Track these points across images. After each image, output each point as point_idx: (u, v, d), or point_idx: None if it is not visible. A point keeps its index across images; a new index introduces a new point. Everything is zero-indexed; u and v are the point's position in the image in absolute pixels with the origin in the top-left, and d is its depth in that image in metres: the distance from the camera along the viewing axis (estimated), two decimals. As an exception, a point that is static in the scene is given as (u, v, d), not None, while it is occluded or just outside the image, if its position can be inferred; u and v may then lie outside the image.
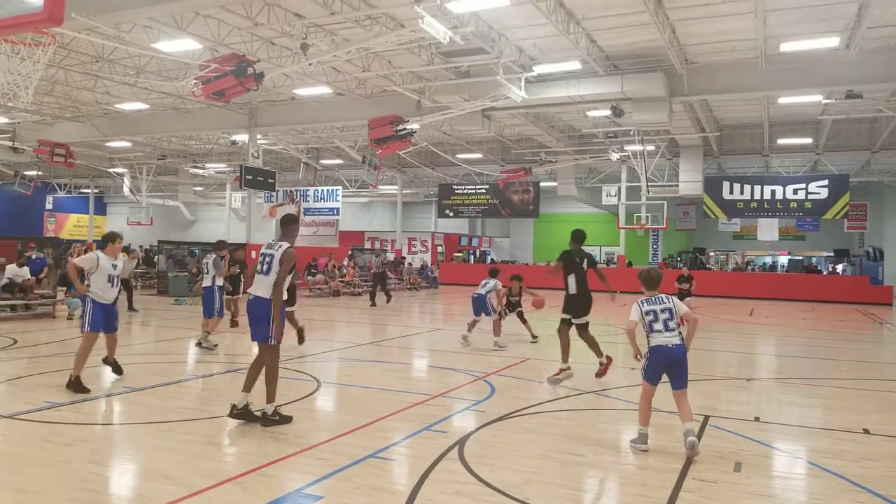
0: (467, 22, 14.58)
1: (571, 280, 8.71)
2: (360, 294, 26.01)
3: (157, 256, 26.50)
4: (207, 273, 11.46)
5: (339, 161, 34.07)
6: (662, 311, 6.01)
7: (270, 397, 6.38)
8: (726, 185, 28.38)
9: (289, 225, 6.82)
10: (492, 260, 42.53)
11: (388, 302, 21.63)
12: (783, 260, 41.93)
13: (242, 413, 6.30)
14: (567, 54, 17.22)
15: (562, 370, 8.82)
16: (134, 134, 27.81)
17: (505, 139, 29.10)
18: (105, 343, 8.27)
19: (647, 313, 6.04)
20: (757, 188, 27.86)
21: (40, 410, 6.74)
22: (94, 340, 7.84)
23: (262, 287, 6.43)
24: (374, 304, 20.85)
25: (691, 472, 5.40)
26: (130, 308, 16.99)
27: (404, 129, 19.73)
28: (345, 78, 20.10)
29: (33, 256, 17.61)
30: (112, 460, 5.55)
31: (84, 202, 46.75)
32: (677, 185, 29.13)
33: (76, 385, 7.54)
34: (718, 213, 29.04)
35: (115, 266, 7.96)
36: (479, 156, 31.57)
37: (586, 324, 8.88)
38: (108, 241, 8.09)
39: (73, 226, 48.85)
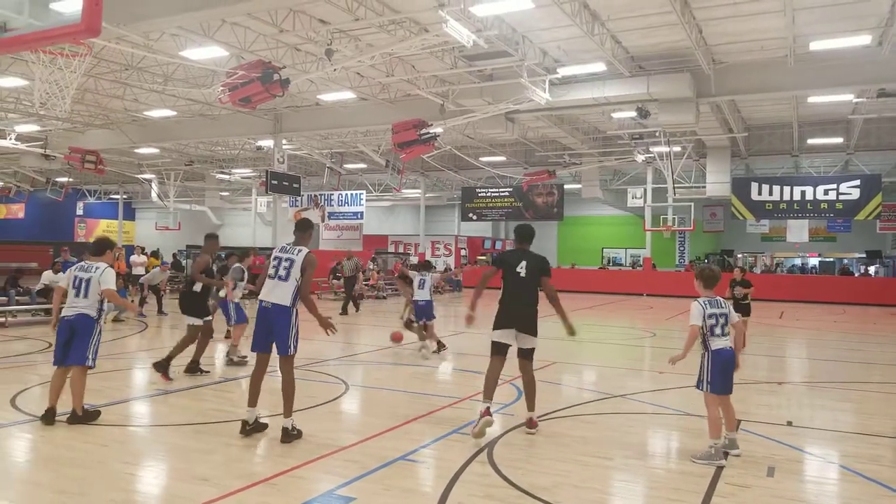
0: (491, 25, 14.60)
1: (504, 289, 6.56)
2: (384, 297, 26.12)
3: (185, 261, 26.87)
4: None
5: (362, 165, 34.26)
6: (720, 315, 5.83)
7: (289, 411, 5.99)
8: (755, 185, 27.99)
9: (307, 230, 6.40)
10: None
11: (356, 311, 19.67)
12: (813, 262, 41.24)
13: (255, 428, 6.11)
14: (592, 56, 17.14)
15: (482, 415, 6.25)
16: (162, 140, 28.24)
17: (528, 142, 29.03)
18: (57, 383, 6.63)
19: (710, 317, 5.78)
20: (786, 189, 27.43)
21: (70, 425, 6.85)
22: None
23: (279, 294, 6.00)
24: (344, 313, 18.84)
25: (723, 476, 5.35)
26: (160, 312, 17.27)
27: (428, 132, 19.80)
28: (368, 83, 20.21)
29: (68, 260, 17.84)
30: (147, 461, 5.65)
31: (113, 208, 47.54)
32: (704, 187, 28.79)
33: (89, 415, 6.55)
34: (747, 215, 28.65)
35: None
36: (502, 158, 31.56)
37: (529, 351, 6.51)
38: (107, 248, 6.96)
39: (103, 231, 49.65)
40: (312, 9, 14.70)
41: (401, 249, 38.92)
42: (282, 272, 6.06)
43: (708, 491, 5.03)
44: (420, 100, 20.78)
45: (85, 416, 6.48)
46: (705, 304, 5.82)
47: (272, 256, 6.22)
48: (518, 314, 6.45)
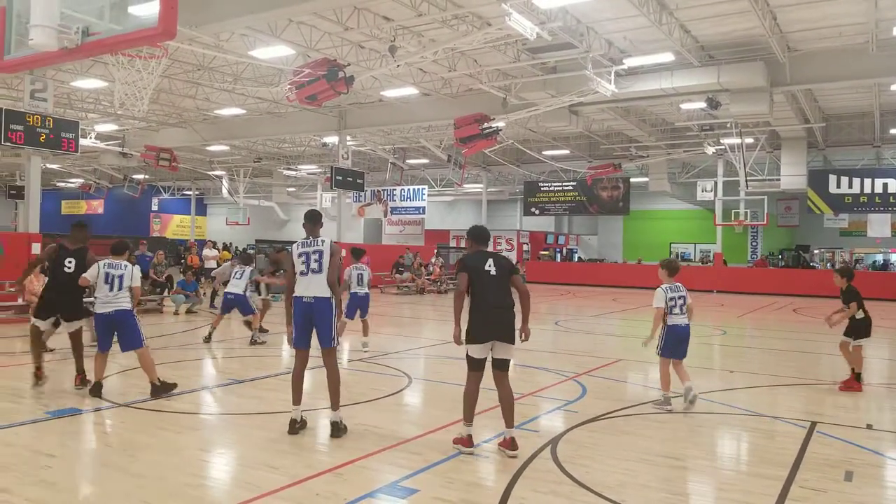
0: (555, 17, 14.43)
1: (475, 293, 5.70)
2: (445, 292, 26.23)
3: (255, 256, 27.64)
4: (240, 279, 11.49)
5: (424, 160, 34.46)
6: (679, 297, 7.28)
7: (337, 404, 6.00)
8: (833, 178, 26.79)
9: (318, 220, 6.31)
10: (579, 259, 41.85)
11: None
12: None
13: (302, 425, 6.09)
14: (659, 46, 16.72)
15: (459, 439, 5.73)
16: (232, 138, 29.13)
17: (593, 134, 28.59)
18: (100, 364, 7.34)
19: (671, 300, 7.23)
20: (867, 181, 26.15)
21: (153, 399, 7.17)
22: None
23: (318, 287, 5.98)
24: None
25: (798, 480, 5.16)
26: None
27: (490, 127, 19.75)
28: (431, 78, 20.30)
29: (144, 253, 18.56)
30: (219, 448, 5.85)
31: (186, 203, 49.31)
32: (779, 180, 27.71)
33: (166, 385, 7.38)
34: (824, 209, 27.47)
35: None
36: (565, 152, 31.17)
37: (506, 363, 5.73)
38: (126, 249, 7.62)
39: (177, 226, 51.62)
40: (376, 6, 14.86)
41: (462, 244, 39.00)
42: (314, 265, 6.00)
43: (781, 494, 4.86)
44: (482, 94, 20.74)
45: (163, 387, 7.31)
46: (667, 290, 7.27)
47: (297, 254, 6.08)
48: (497, 320, 5.61)
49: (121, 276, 7.26)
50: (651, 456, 5.68)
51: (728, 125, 24.03)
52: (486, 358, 5.66)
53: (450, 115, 21.49)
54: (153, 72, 8.44)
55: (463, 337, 5.68)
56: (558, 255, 42.26)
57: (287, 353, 10.73)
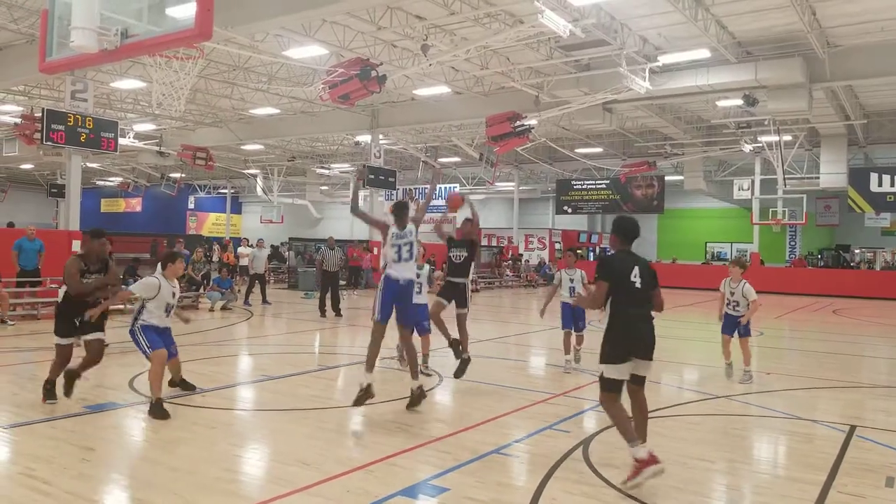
0: (588, 14, 14.30)
1: (617, 305, 5.04)
2: (477, 290, 26.20)
3: (287, 253, 27.97)
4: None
5: (456, 159, 34.46)
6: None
7: (414, 374, 6.90)
8: (874, 176, 26.08)
9: (405, 210, 7.19)
10: (612, 257, 41.37)
11: (336, 315, 15.67)
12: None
13: (366, 393, 6.47)
14: (695, 42, 16.48)
15: (645, 463, 4.72)
16: (266, 137, 29.50)
17: (627, 132, 28.29)
18: (169, 367, 7.00)
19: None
20: (910, 179, 25.44)
21: (188, 395, 7.29)
22: (164, 358, 6.57)
23: (411, 271, 6.98)
24: (324, 315, 15.49)
25: (836, 485, 5.04)
26: (264, 301, 18.03)
27: (522, 125, 19.66)
28: (463, 76, 20.28)
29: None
30: (253, 444, 5.92)
31: (221, 202, 50.03)
32: (818, 178, 27.10)
33: (158, 409, 6.39)
34: (865, 207, 26.77)
35: (173, 294, 6.66)
36: (599, 150, 30.90)
37: (643, 378, 5.06)
38: (168, 260, 6.73)
39: (212, 224, 52.42)
40: (409, 5, 14.90)
41: (494, 242, 38.91)
42: (405, 254, 6.95)
43: (819, 499, 4.75)
44: (514, 92, 20.65)
45: (158, 407, 6.41)
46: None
47: (393, 244, 6.93)
48: (643, 336, 4.97)
49: None
50: (684, 458, 5.60)
51: (766, 122, 23.58)
52: (624, 380, 4.97)
53: (482, 113, 21.45)
54: (190, 72, 8.60)
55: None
56: (591, 254, 41.88)
57: (317, 351, 10.85)
